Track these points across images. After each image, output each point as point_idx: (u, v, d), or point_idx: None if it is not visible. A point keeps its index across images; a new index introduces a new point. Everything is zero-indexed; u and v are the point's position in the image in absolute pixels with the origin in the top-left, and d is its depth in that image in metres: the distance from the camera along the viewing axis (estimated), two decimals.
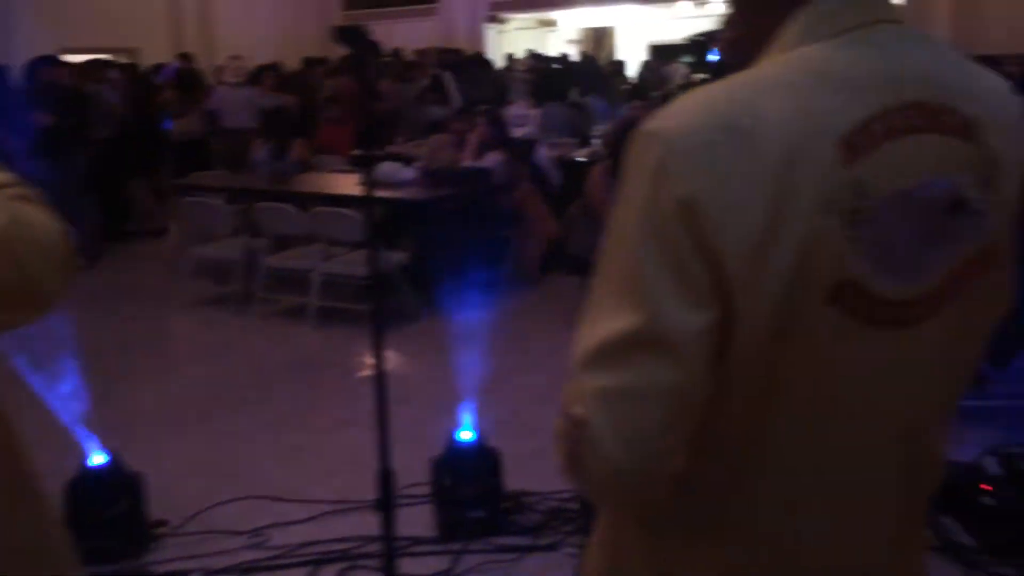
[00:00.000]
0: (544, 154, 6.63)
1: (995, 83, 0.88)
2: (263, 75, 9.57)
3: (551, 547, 2.89)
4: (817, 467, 0.85)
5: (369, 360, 4.88)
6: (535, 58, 13.63)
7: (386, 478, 2.21)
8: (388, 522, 2.25)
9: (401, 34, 15.53)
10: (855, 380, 0.82)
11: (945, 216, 0.80)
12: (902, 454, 0.88)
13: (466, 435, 3.04)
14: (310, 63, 11.42)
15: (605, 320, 0.78)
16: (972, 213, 0.81)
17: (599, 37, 20.34)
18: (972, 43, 12.61)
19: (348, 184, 5.81)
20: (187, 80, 9.77)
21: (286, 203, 5.56)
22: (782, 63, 0.81)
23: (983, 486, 2.85)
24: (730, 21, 0.92)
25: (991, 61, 9.96)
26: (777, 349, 0.78)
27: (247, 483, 3.39)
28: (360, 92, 2.17)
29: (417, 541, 2.94)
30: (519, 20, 20.27)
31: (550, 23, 20.65)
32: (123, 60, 11.09)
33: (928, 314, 0.82)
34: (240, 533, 3.05)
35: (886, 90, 0.79)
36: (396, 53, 11.71)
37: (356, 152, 7.67)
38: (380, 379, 2.20)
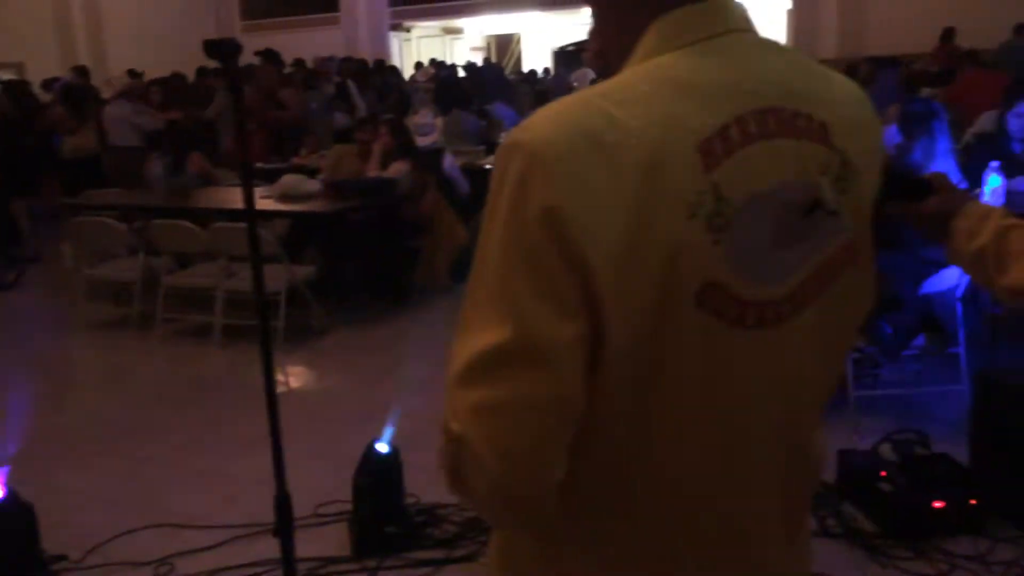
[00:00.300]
0: (451, 162, 6.62)
1: (847, 87, 0.91)
2: (149, 90, 9.25)
3: (467, 558, 2.88)
4: (700, 468, 0.86)
5: (278, 378, 4.80)
6: (437, 66, 13.63)
7: (283, 504, 2.16)
8: (287, 550, 2.20)
9: (304, 43, 15.29)
10: (729, 380, 0.84)
11: (803, 217, 0.83)
12: (781, 450, 0.91)
13: (380, 449, 3.00)
14: (203, 73, 11.12)
15: (476, 335, 0.78)
16: (829, 214, 0.83)
17: (505, 44, 20.46)
18: (857, 45, 13.15)
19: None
20: (75, 95, 9.36)
21: (184, 219, 5.39)
22: (640, 73, 0.82)
23: (881, 472, 2.96)
24: (593, 34, 0.94)
25: (891, 61, 10.42)
26: (651, 354, 0.79)
27: (150, 511, 3.27)
28: (237, 104, 2.09)
29: (330, 561, 2.89)
30: (423, 28, 20.21)
31: (455, 31, 20.68)
32: (8, 76, 10.61)
33: (793, 313, 0.84)
34: (143, 564, 2.94)
35: (741, 97, 0.81)
36: (299, 63, 11.52)
37: (259, 165, 7.53)
38: (272, 401, 2.15)
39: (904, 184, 1.29)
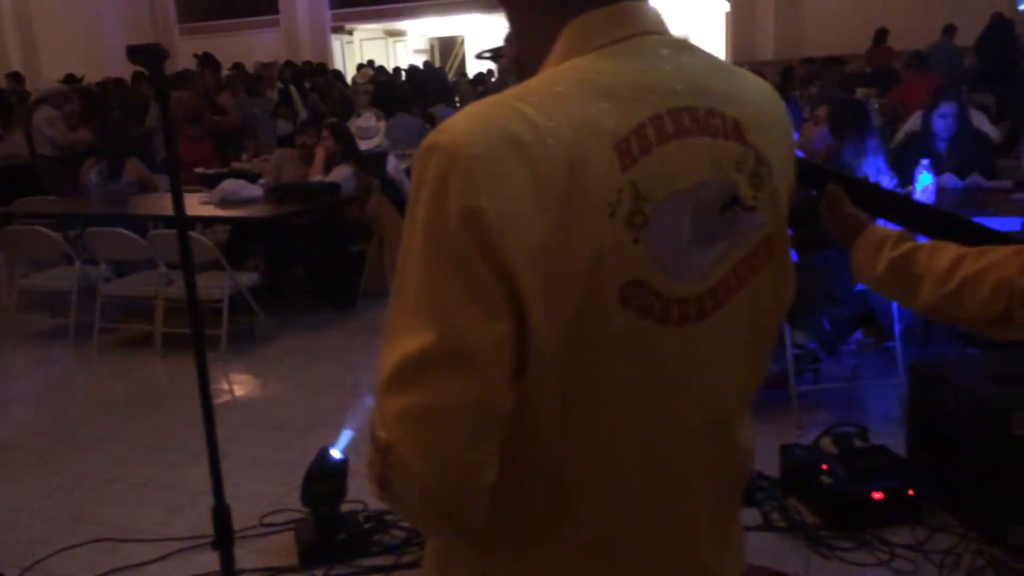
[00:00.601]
0: (395, 165, 6.58)
1: (759, 86, 0.94)
2: (71, 97, 8.98)
3: (416, 564, 2.86)
4: (633, 465, 0.87)
5: (222, 386, 4.73)
6: (377, 70, 13.56)
7: (221, 515, 2.13)
8: (227, 562, 2.16)
9: (244, 46, 15.08)
10: (658, 378, 0.85)
11: (721, 214, 0.84)
12: (711, 444, 0.92)
13: (334, 455, 2.97)
14: (138, 79, 10.88)
15: (402, 340, 0.77)
16: (746, 209, 0.85)
17: (448, 47, 20.42)
18: (794, 47, 13.42)
19: (190, 204, 5.58)
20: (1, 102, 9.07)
21: (121, 227, 5.27)
22: (555, 75, 0.83)
23: (822, 466, 3.02)
24: (509, 40, 0.94)
25: (835, 61, 10.60)
26: (579, 354, 0.80)
27: (91, 526, 3.19)
28: (164, 111, 2.04)
29: (277, 571, 2.85)
30: (365, 30, 20.07)
31: (398, 33, 20.58)
32: None
33: (715, 308, 0.86)
34: None
35: (655, 96, 0.82)
36: (237, 67, 11.35)
37: (199, 170, 7.40)
38: (208, 410, 2.12)
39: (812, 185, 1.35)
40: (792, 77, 10.56)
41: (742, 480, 1.00)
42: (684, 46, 0.88)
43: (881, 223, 1.35)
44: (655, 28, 0.87)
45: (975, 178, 4.56)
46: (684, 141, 0.82)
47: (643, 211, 0.79)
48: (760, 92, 0.93)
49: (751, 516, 3.00)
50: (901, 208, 1.42)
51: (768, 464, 3.21)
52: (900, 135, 6.19)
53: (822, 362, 4.15)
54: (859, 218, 1.34)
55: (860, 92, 9.61)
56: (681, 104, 0.83)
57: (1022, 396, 1.33)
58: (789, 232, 0.96)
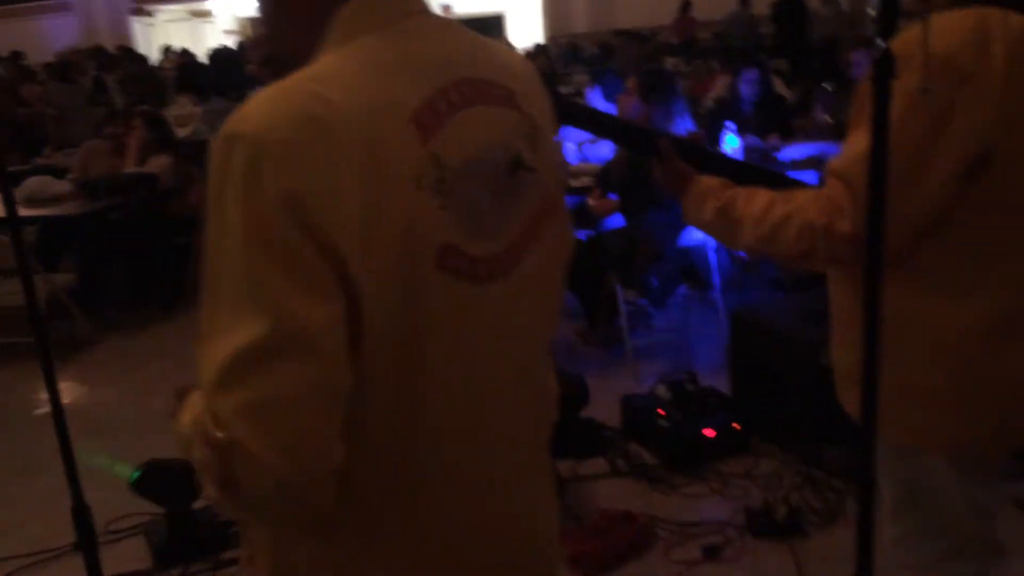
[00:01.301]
0: None
1: (519, 59, 1.03)
2: None
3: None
4: (467, 427, 0.91)
5: (41, 396, 4.43)
6: (182, 53, 12.92)
7: (81, 515, 2.04)
8: (92, 567, 2.08)
9: (35, 32, 13.96)
10: (477, 335, 0.90)
11: (509, 176, 0.90)
12: (525, 394, 0.99)
13: (163, 459, 2.87)
14: None
15: (226, 336, 0.76)
16: (529, 171, 0.92)
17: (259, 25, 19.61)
18: (606, 18, 13.87)
19: None
20: None
21: None
22: (343, 56, 0.85)
23: (659, 411, 3.23)
24: (257, 43, 0.96)
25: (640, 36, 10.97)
26: (407, 321, 0.82)
27: None
28: None
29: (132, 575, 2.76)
30: (168, 12, 19.03)
31: (204, 14, 19.61)
32: None
33: (514, 264, 0.92)
34: None
35: (439, 70, 0.87)
36: (15, 55, 10.47)
37: None
38: (57, 414, 2.02)
39: (643, 146, 1.54)
40: (612, 53, 10.92)
41: (550, 422, 1.08)
42: (451, 23, 0.95)
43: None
44: (424, 8, 0.93)
45: (774, 140, 4.94)
46: (472, 111, 0.87)
47: (446, 179, 0.83)
48: (522, 65, 1.01)
49: (598, 465, 3.18)
50: (720, 163, 1.63)
51: (611, 416, 3.40)
52: (708, 102, 6.60)
53: (653, 317, 4.41)
54: (687, 171, 1.53)
55: (669, 62, 10.10)
56: (462, 76, 0.88)
57: (824, 332, 1.50)
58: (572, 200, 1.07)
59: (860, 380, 1.20)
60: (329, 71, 0.82)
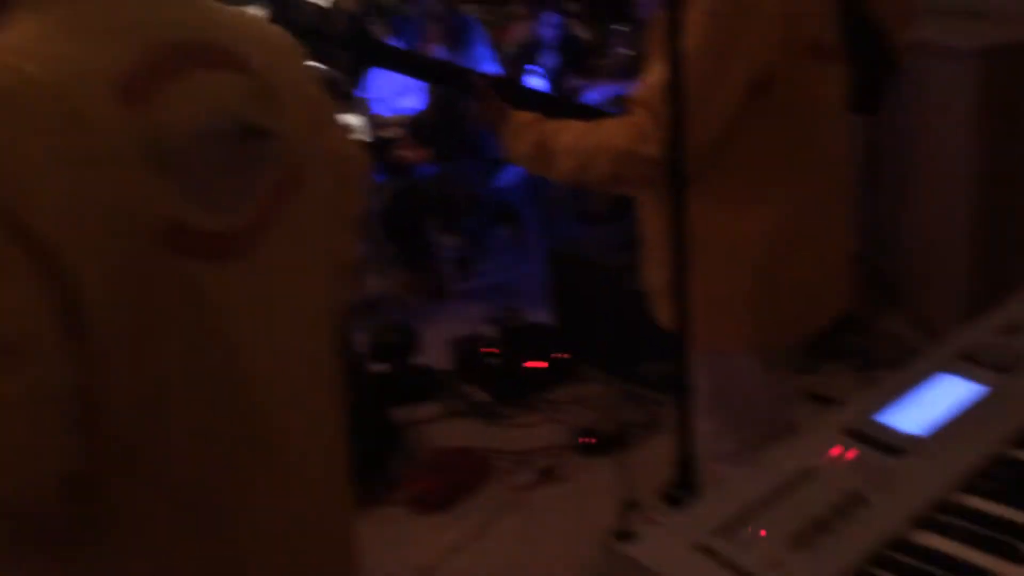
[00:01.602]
0: None
1: (260, 22, 0.98)
2: None
3: None
4: (225, 419, 0.83)
5: None
6: None
7: None
8: None
9: None
10: (230, 315, 0.82)
11: (242, 145, 0.83)
12: (305, 376, 0.93)
13: None
14: None
15: None
16: (266, 138, 0.85)
17: None
18: None
19: None
20: None
21: None
22: (37, 20, 0.76)
23: (486, 350, 3.35)
24: None
25: None
26: (137, 309, 0.74)
27: None
28: None
29: None
30: None
31: None
32: None
33: (262, 236, 0.85)
34: None
35: (151, 33, 0.79)
36: None
37: None
38: None
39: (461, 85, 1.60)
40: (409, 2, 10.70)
41: (339, 403, 1.00)
42: None
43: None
44: None
45: (578, 81, 5.12)
46: (193, 75, 0.80)
47: (164, 150, 0.75)
48: (264, 28, 0.96)
49: (434, 409, 3.26)
50: (533, 98, 1.72)
51: (443, 360, 3.48)
52: (511, 47, 6.70)
53: (475, 260, 4.51)
54: (503, 108, 1.60)
55: (471, 8, 10.09)
56: (181, 39, 0.81)
57: (631, 258, 1.65)
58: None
59: (671, 293, 1.33)
60: (22, 39, 0.74)
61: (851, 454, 0.86)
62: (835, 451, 0.86)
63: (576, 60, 5.30)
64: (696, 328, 1.34)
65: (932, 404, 0.92)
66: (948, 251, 2.91)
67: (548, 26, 5.28)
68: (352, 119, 4.63)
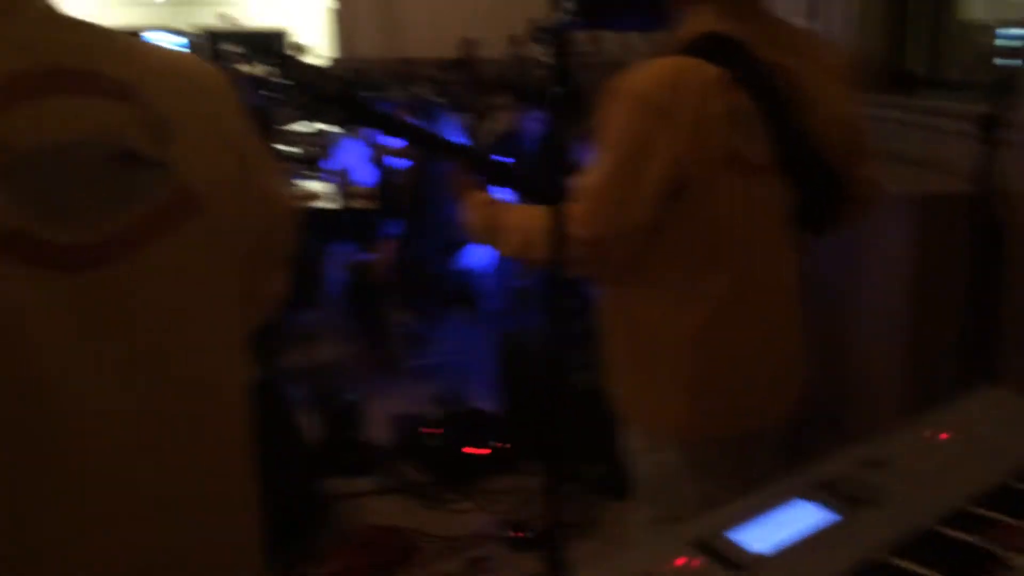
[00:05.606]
0: None
1: (172, 56, 0.99)
2: None
3: None
4: (27, 416, 0.82)
5: None
6: None
7: None
8: None
9: None
10: (79, 325, 0.83)
11: (116, 169, 0.86)
12: (170, 394, 0.91)
13: None
14: None
15: None
16: (148, 165, 0.88)
17: None
18: (397, 47, 13.98)
19: None
20: None
21: None
22: None
23: (428, 430, 3.31)
24: None
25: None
26: None
27: None
28: None
29: None
30: None
31: None
32: None
33: (121, 257, 0.86)
34: None
35: (19, 56, 0.83)
36: None
37: None
38: None
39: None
40: (385, 88, 10.92)
41: (230, 426, 0.99)
42: (63, 15, 0.89)
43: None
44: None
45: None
46: (59, 98, 0.84)
47: (8, 162, 0.79)
48: (172, 61, 0.98)
49: (370, 484, 3.19)
50: (503, 175, 1.81)
51: (384, 435, 3.42)
52: (490, 136, 6.84)
53: (428, 339, 4.50)
54: (471, 180, 1.68)
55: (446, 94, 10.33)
56: (55, 65, 0.85)
57: (581, 357, 1.66)
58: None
59: (615, 379, 1.42)
60: None
61: (695, 563, 0.87)
62: (680, 561, 0.87)
63: (555, 157, 5.40)
64: (634, 412, 1.47)
65: (782, 526, 0.94)
66: (880, 383, 2.94)
67: (534, 120, 5.39)
68: (318, 186, 4.69)
